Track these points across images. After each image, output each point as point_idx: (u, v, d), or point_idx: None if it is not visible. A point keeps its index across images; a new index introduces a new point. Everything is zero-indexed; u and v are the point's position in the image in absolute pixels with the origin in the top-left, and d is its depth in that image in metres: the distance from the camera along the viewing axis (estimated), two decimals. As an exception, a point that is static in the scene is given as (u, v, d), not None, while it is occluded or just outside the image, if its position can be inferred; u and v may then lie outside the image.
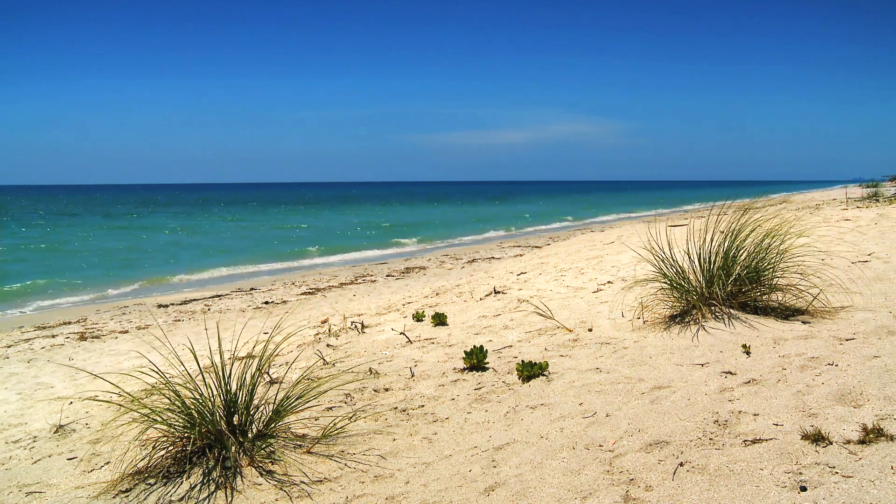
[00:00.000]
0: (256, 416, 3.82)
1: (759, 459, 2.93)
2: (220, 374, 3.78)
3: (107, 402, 4.03)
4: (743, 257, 5.40)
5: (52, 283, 16.24)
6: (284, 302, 12.03)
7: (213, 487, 3.36)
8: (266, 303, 12.06)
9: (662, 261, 5.61)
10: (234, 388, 3.77)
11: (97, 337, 9.57)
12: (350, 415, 4.15)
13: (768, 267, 5.39)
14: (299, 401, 3.87)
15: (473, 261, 17.00)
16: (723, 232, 5.54)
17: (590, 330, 5.54)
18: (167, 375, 3.85)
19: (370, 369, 5.12)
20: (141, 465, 3.61)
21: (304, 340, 6.71)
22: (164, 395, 3.71)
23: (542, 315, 6.11)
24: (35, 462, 4.16)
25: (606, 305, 6.39)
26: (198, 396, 3.67)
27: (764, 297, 5.38)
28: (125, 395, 3.85)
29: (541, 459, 3.29)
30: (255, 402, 3.86)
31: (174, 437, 3.68)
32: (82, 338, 9.55)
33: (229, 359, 3.94)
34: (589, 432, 3.52)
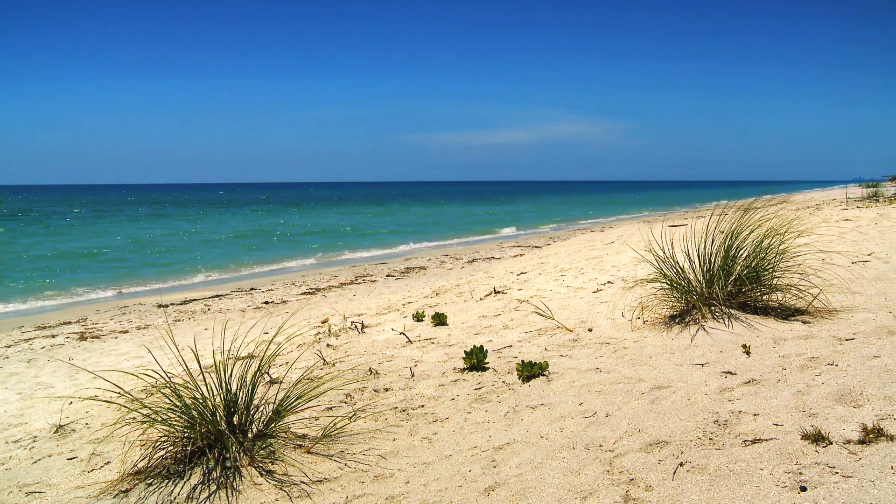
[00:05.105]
0: (256, 416, 3.82)
1: (759, 459, 2.93)
2: (221, 374, 3.78)
3: (107, 402, 4.03)
4: (743, 257, 5.40)
5: (53, 283, 16.23)
6: (284, 302, 12.04)
7: (213, 487, 3.36)
8: (266, 303, 12.06)
9: (662, 261, 5.61)
10: (234, 388, 3.77)
11: (97, 337, 9.57)
12: (350, 415, 4.15)
13: (768, 267, 5.38)
14: (299, 401, 3.87)
15: (473, 261, 17.00)
16: (723, 232, 5.53)
17: (590, 330, 5.54)
18: (167, 375, 3.85)
19: (370, 369, 5.12)
20: (141, 465, 3.61)
21: (304, 340, 6.71)
22: (164, 394, 3.71)
23: (542, 315, 6.11)
24: (35, 462, 4.16)
25: (606, 305, 6.39)
26: (198, 396, 3.67)
27: (764, 297, 5.38)
28: (125, 394, 3.85)
29: (541, 459, 3.29)
30: (256, 402, 3.86)
31: (174, 437, 3.67)
32: (82, 338, 9.55)
33: (229, 359, 3.94)
34: (589, 432, 3.52)
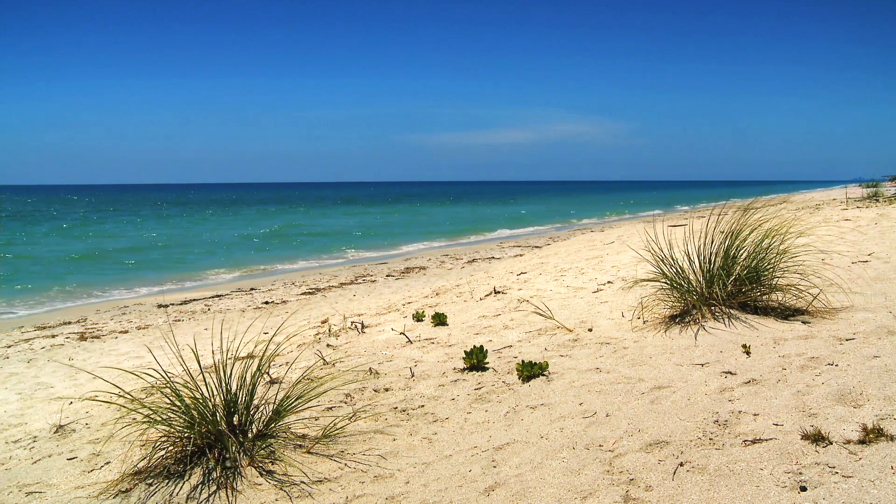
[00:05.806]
0: (256, 416, 3.82)
1: (759, 459, 2.93)
2: (221, 373, 3.78)
3: (107, 402, 4.03)
4: (743, 257, 5.40)
5: (52, 283, 16.23)
6: (284, 302, 12.03)
7: (213, 487, 3.36)
8: (266, 303, 12.06)
9: (662, 261, 5.61)
10: (234, 388, 3.77)
11: (97, 337, 9.57)
12: (350, 415, 4.16)
13: (768, 267, 5.39)
14: (299, 401, 3.87)
15: (473, 261, 17.00)
16: (723, 232, 5.54)
17: (590, 330, 5.54)
18: (167, 375, 3.85)
19: (370, 369, 5.12)
20: (141, 465, 3.61)
21: (304, 340, 6.71)
22: (164, 394, 3.71)
23: (542, 315, 6.11)
24: (35, 462, 4.16)
25: (606, 305, 6.39)
26: (198, 396, 3.67)
27: (764, 297, 5.38)
28: (125, 395, 3.86)
29: (541, 459, 3.29)
30: (256, 402, 3.86)
31: (174, 437, 3.68)
32: (82, 338, 9.55)
33: (230, 359, 3.94)
34: (589, 432, 3.52)
